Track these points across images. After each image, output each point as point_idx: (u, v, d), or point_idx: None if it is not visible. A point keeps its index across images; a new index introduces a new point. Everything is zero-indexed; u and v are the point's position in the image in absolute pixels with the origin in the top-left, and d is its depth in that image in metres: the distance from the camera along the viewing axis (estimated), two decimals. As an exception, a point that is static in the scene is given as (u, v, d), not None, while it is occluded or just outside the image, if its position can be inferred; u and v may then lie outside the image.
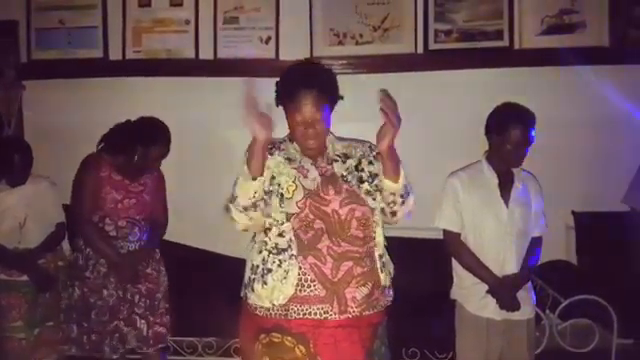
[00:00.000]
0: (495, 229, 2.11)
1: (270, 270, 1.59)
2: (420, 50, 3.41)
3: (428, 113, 3.40)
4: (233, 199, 1.62)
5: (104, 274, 2.33)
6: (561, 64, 3.31)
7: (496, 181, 2.14)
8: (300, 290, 1.57)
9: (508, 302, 2.09)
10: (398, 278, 2.97)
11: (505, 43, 3.36)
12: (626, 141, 3.26)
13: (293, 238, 1.59)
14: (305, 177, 1.65)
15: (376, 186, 1.68)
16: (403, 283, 2.86)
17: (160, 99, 3.26)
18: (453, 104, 3.37)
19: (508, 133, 2.07)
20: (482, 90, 3.25)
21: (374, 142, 1.68)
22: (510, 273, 2.11)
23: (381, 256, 1.68)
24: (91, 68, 3.43)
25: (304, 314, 1.56)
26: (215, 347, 3.04)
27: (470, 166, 2.23)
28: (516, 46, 3.37)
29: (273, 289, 1.57)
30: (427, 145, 3.40)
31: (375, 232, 1.66)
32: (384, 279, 1.67)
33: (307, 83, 1.62)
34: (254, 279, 1.63)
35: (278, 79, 1.72)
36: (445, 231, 2.19)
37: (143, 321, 2.34)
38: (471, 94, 3.32)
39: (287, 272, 1.57)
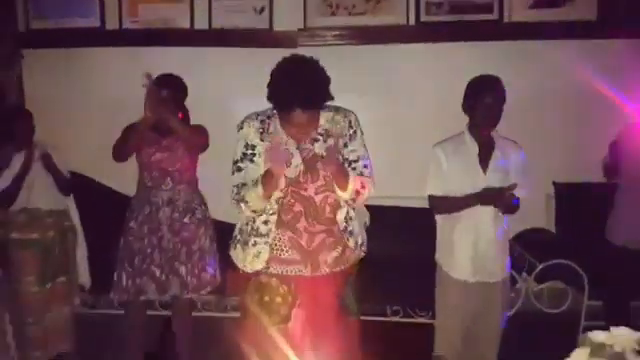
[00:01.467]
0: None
1: (247, 244, 1.91)
2: (412, 22, 3.49)
3: (418, 84, 3.50)
4: (244, 202, 1.85)
5: (140, 222, 2.51)
6: (549, 37, 3.40)
7: (476, 150, 2.26)
8: (279, 254, 1.86)
9: (500, 198, 2.16)
10: (388, 243, 3.15)
11: (495, 16, 3.43)
12: (609, 114, 3.36)
13: (274, 228, 1.86)
14: (288, 166, 1.84)
15: (347, 167, 1.90)
16: (391, 248, 3.09)
17: (156, 68, 3.33)
18: (443, 75, 3.46)
19: (478, 99, 2.21)
20: (472, 62, 3.35)
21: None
22: (484, 236, 2.25)
23: (346, 227, 1.92)
24: (88, 37, 3.50)
25: (282, 271, 1.87)
26: (213, 304, 3.25)
27: (454, 136, 2.35)
28: (505, 19, 3.44)
29: (246, 259, 1.91)
30: (417, 114, 3.52)
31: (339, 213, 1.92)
32: (352, 243, 1.95)
33: (303, 104, 1.75)
34: (237, 241, 1.96)
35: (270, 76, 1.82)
36: (430, 196, 2.32)
37: (183, 267, 2.50)
38: (461, 66, 3.42)
39: (260, 253, 1.88)
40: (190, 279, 2.51)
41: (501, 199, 2.17)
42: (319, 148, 1.86)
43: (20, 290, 2.66)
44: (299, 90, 1.73)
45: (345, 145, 1.92)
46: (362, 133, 2.01)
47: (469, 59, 3.36)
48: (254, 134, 1.90)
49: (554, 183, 3.52)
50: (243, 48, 3.48)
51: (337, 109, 1.97)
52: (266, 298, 1.83)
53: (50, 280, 2.74)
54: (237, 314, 3.15)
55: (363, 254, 2.04)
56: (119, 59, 3.48)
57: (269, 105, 1.87)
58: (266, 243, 1.87)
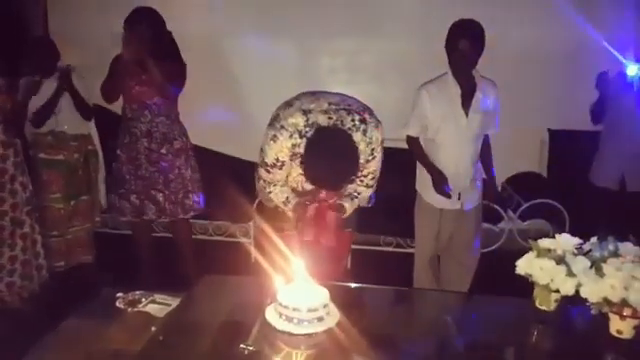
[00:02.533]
0: (455, 134, 2.41)
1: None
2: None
3: (418, 29, 3.58)
4: (268, 200, 2.11)
5: (122, 151, 2.71)
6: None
7: (459, 92, 2.40)
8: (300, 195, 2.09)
9: (443, 191, 2.39)
10: (382, 182, 3.35)
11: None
12: (604, 64, 3.44)
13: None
14: None
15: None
16: (386, 186, 3.30)
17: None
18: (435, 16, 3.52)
19: (455, 44, 2.31)
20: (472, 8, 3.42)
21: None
22: (461, 168, 2.44)
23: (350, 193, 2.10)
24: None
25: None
26: (222, 230, 3.54)
27: (438, 78, 2.47)
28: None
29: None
30: (418, 60, 3.61)
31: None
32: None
33: (332, 188, 1.97)
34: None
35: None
36: (407, 136, 2.51)
37: (160, 195, 2.71)
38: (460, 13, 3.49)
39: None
40: (167, 205, 2.72)
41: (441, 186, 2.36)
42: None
43: (47, 206, 2.95)
44: (330, 179, 1.89)
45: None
46: (381, 150, 2.02)
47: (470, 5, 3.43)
48: (285, 151, 1.92)
49: (549, 130, 3.66)
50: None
51: (342, 106, 1.93)
52: (279, 209, 2.11)
53: (74, 198, 3.03)
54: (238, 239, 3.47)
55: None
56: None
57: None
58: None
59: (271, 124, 1.94)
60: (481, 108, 2.42)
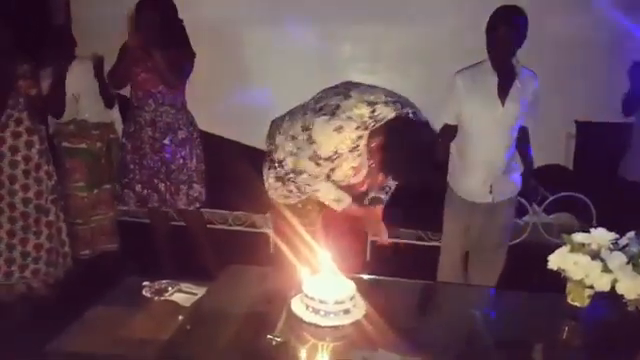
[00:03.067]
0: (490, 124, 2.33)
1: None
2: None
3: (428, 13, 3.50)
4: (286, 196, 2.08)
5: (127, 139, 2.72)
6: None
7: (496, 80, 2.32)
8: None
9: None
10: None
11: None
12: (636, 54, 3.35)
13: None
14: None
15: None
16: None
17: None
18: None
19: (495, 31, 2.23)
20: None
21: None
22: (495, 160, 2.37)
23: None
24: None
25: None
26: (242, 220, 3.54)
27: (476, 65, 2.39)
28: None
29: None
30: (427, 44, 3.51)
31: None
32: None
33: None
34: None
35: None
36: (444, 124, 2.42)
37: (162, 185, 2.69)
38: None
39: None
40: (168, 196, 2.71)
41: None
42: None
43: (70, 194, 2.97)
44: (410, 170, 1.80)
45: None
46: None
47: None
48: (348, 143, 1.83)
49: (576, 122, 3.57)
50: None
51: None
52: (299, 205, 2.06)
53: (97, 187, 3.05)
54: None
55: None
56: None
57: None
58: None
59: (333, 114, 1.80)
60: (519, 98, 2.33)
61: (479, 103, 2.35)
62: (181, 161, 2.70)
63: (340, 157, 1.83)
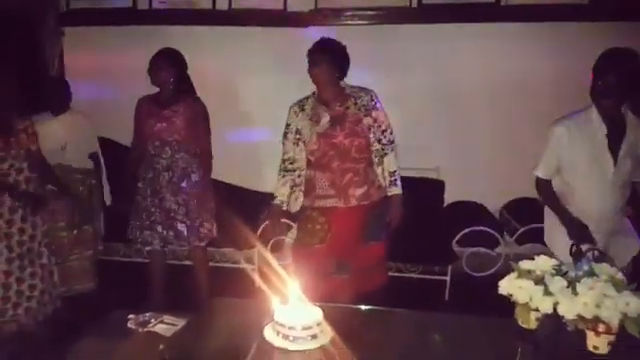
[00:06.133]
0: (599, 180, 2.06)
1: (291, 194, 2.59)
2: (415, 4, 3.74)
3: (424, 62, 3.77)
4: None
5: (146, 185, 2.90)
6: (545, 20, 3.61)
7: (605, 131, 2.03)
8: (320, 191, 2.48)
9: (589, 240, 1.98)
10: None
11: (493, -1, 3.67)
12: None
13: (312, 173, 2.52)
14: (318, 123, 2.48)
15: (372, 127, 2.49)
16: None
17: (179, 43, 3.67)
18: (445, 55, 3.73)
19: (598, 76, 2.02)
20: (472, 42, 3.62)
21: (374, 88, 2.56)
22: (606, 221, 2.09)
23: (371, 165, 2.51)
24: (121, 17, 3.88)
25: (323, 204, 2.49)
26: (228, 256, 3.67)
27: (579, 113, 2.11)
28: (503, 2, 3.67)
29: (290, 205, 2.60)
30: (423, 92, 3.77)
31: (367, 155, 2.50)
32: (376, 182, 2.53)
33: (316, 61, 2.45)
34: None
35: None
36: (537, 177, 2.23)
37: (182, 224, 2.89)
38: (462, 46, 3.68)
39: (297, 198, 2.56)
40: (187, 234, 2.89)
41: (590, 241, 1.93)
42: (351, 110, 2.46)
43: (51, 234, 3.04)
44: (314, 50, 2.45)
45: (369, 113, 2.49)
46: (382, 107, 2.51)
47: (474, 39, 3.63)
48: (292, 114, 2.56)
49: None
50: (259, 27, 3.79)
51: (360, 88, 2.54)
52: (309, 226, 2.50)
53: (77, 227, 3.19)
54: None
55: (384, 194, 2.55)
56: (149, 36, 3.84)
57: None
58: (301, 190, 2.55)
59: None
60: (632, 150, 2.06)
61: (587, 159, 2.06)
62: (194, 201, 2.90)
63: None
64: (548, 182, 2.21)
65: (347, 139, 2.44)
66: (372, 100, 2.52)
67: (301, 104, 2.55)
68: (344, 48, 2.51)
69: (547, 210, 2.27)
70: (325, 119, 2.46)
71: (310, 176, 2.52)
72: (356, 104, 2.49)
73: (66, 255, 3.16)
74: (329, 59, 2.43)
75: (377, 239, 2.56)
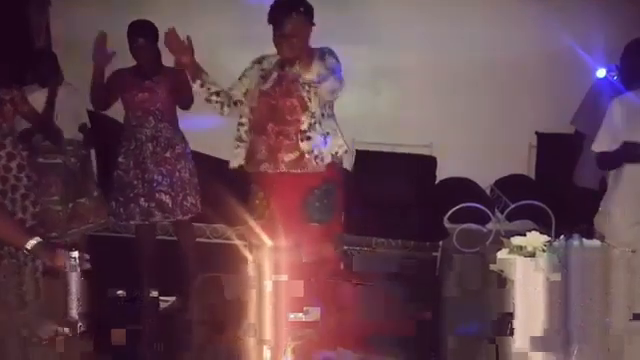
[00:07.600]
0: None
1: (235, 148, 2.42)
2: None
3: (417, 37, 3.72)
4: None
5: (127, 157, 2.84)
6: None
7: None
8: (258, 156, 2.35)
9: None
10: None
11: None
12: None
13: (248, 130, 2.37)
14: (265, 81, 2.31)
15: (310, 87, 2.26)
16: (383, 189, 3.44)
17: (156, 13, 3.47)
18: (439, 30, 3.68)
19: None
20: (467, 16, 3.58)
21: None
22: None
23: (304, 131, 2.27)
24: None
25: (257, 170, 2.36)
26: (220, 232, 3.66)
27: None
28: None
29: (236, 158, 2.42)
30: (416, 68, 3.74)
31: (300, 118, 2.29)
32: (304, 147, 2.27)
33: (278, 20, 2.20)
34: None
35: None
36: (597, 153, 2.17)
37: (167, 195, 2.83)
38: (457, 21, 3.63)
39: (238, 154, 2.39)
40: (172, 207, 2.85)
41: None
42: (303, 74, 2.24)
43: (46, 208, 3.02)
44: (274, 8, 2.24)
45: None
46: (337, 61, 2.28)
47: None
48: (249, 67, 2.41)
49: (537, 133, 3.77)
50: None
51: (324, 51, 2.30)
52: (251, 201, 2.41)
53: (72, 200, 3.13)
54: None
55: (322, 169, 2.32)
56: (137, 5, 3.73)
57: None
58: (245, 147, 2.39)
59: None
60: None
61: None
62: (178, 174, 2.86)
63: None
64: (608, 153, 2.12)
65: (282, 99, 2.29)
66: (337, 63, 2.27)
67: (262, 58, 2.40)
68: None
69: (606, 196, 2.18)
70: (272, 77, 2.32)
71: (251, 140, 2.37)
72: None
73: (64, 230, 3.12)
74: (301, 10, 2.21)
75: (322, 221, 2.33)
